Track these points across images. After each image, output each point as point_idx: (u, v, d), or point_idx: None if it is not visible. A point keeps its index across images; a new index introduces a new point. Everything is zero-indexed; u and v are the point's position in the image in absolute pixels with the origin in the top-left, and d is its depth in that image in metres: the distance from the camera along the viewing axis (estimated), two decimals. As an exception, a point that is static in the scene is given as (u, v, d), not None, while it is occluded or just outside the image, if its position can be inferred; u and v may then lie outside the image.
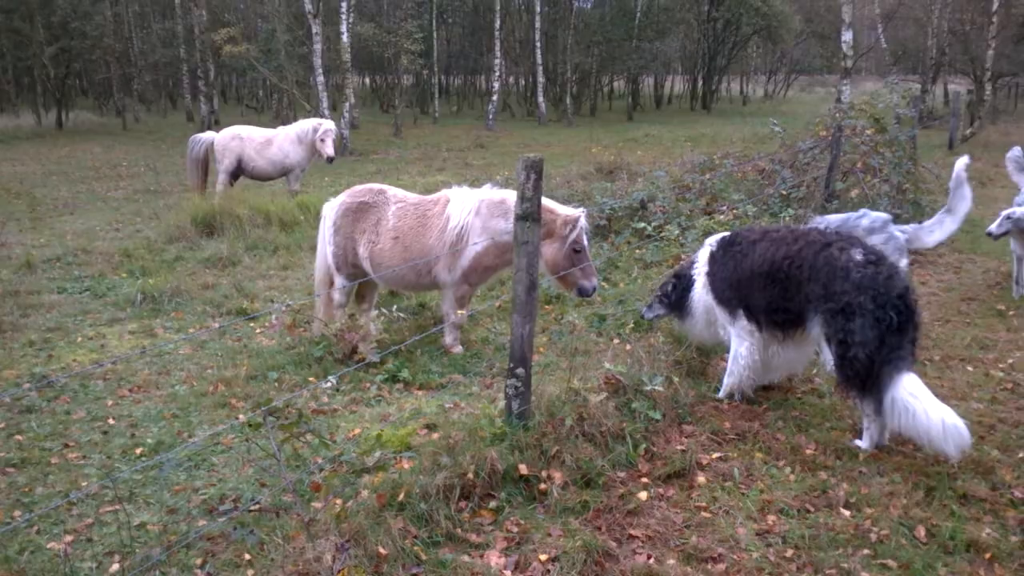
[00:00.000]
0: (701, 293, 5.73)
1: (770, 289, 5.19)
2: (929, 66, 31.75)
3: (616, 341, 6.81)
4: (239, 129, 14.30)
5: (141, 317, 7.89)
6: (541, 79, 35.89)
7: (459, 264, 6.58)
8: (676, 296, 5.96)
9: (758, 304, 5.31)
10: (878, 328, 4.65)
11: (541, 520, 4.10)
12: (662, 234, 8.84)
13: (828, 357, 5.17)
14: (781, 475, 4.66)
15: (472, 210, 6.52)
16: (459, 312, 6.72)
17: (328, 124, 13.79)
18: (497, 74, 33.07)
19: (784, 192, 10.33)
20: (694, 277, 5.81)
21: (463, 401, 5.68)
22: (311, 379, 6.06)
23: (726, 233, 5.82)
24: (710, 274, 5.66)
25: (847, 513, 4.26)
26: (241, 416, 5.44)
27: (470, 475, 4.13)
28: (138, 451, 5.10)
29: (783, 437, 5.08)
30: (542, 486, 4.31)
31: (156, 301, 8.25)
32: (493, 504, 4.18)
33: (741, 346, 5.49)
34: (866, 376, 4.72)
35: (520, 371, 4.68)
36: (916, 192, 10.85)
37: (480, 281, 6.86)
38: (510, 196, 6.50)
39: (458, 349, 6.84)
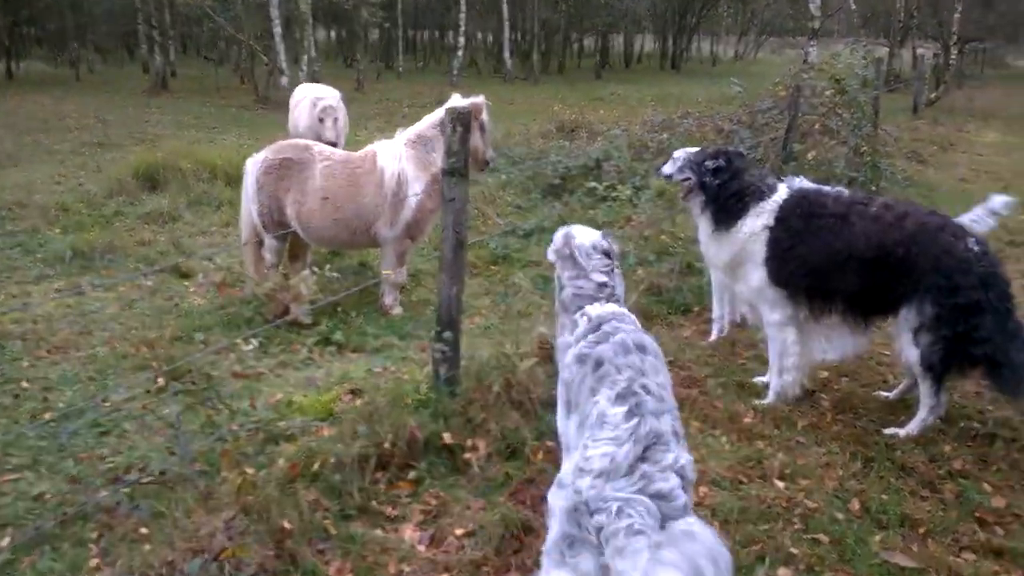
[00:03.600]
0: (748, 238, 4.86)
1: (870, 275, 4.52)
2: (897, 29, 31.58)
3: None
4: (313, 87, 11.74)
5: (70, 274, 7.55)
6: (507, 35, 35.29)
7: (402, 216, 6.34)
8: (720, 192, 4.95)
9: (845, 289, 4.63)
10: (1000, 321, 4.38)
11: (462, 493, 3.92)
12: (614, 195, 8.62)
13: (906, 344, 4.58)
14: (717, 444, 4.50)
15: (400, 155, 6.32)
16: (398, 270, 6.49)
17: (329, 100, 9.81)
18: (462, 28, 32.43)
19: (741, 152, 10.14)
20: (749, 206, 4.84)
21: (395, 365, 5.45)
22: (238, 341, 5.80)
23: (789, 187, 4.86)
24: (774, 241, 4.77)
25: (781, 484, 4.12)
26: (160, 380, 5.18)
27: (387, 445, 3.93)
28: (47, 415, 4.84)
29: (721, 405, 4.92)
30: (467, 456, 4.12)
31: (87, 258, 7.91)
32: (412, 475, 3.98)
33: (788, 336, 4.87)
34: (991, 367, 4.45)
35: (447, 335, 4.46)
36: (874, 155, 10.70)
37: (421, 232, 6.62)
38: (422, 128, 6.53)
39: (397, 310, 6.61)
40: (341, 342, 5.91)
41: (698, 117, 13.11)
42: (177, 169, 10.93)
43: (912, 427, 4.66)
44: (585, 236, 3.42)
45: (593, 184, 8.96)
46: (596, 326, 3.12)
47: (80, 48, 34.20)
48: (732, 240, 4.94)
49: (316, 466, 3.84)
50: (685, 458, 2.65)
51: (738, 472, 4.22)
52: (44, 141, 16.38)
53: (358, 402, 4.58)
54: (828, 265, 4.64)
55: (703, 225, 5.15)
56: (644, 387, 2.80)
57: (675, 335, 6.05)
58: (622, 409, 2.72)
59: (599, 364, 2.93)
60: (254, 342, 4.91)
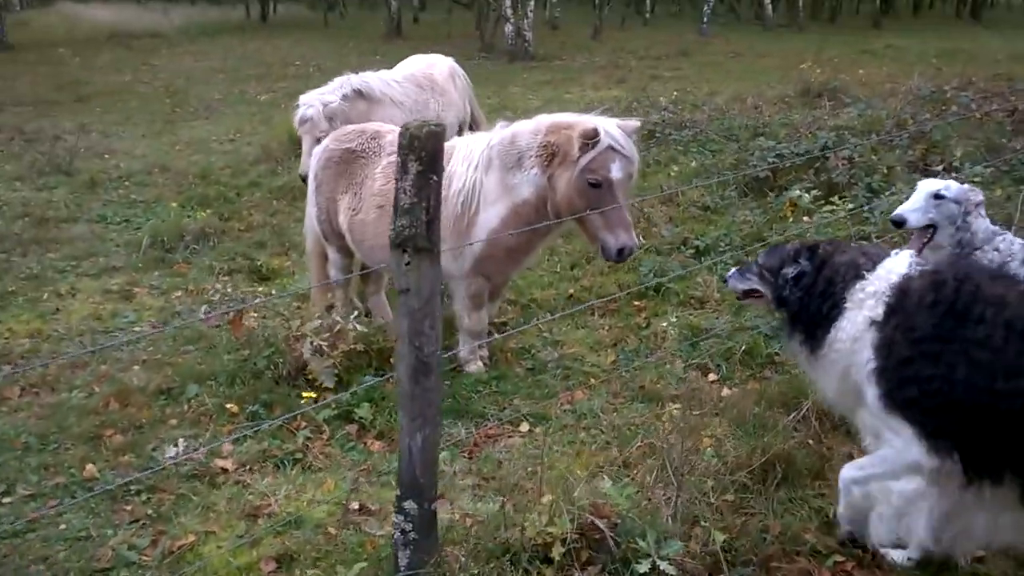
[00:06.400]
0: (851, 346, 2.92)
1: None
2: None
3: (711, 379, 4.54)
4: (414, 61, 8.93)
5: (136, 269, 6.43)
6: (770, -25, 31.44)
7: (469, 249, 4.45)
8: (804, 301, 3.11)
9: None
10: None
11: None
12: (825, 207, 6.13)
13: None
14: None
15: (481, 163, 4.39)
16: (474, 315, 4.68)
17: (308, 107, 6.59)
18: (719, -31, 29.24)
19: (1040, 148, 7.21)
20: (849, 300, 2.96)
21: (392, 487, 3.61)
22: (229, 406, 4.26)
23: (911, 266, 2.94)
24: (885, 345, 2.83)
25: None
26: (90, 467, 3.75)
27: None
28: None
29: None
30: None
31: (168, 248, 6.78)
32: None
33: (924, 497, 2.84)
34: None
35: (409, 506, 2.62)
36: None
37: (501, 272, 4.70)
38: (520, 130, 4.38)
39: (474, 367, 4.77)
40: (364, 421, 4.17)
41: (983, 89, 9.93)
42: (328, 133, 9.67)
43: None
44: None
45: (797, 192, 6.44)
46: None
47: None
48: (831, 359, 3.02)
49: None
50: None
51: None
52: (251, 90, 16.09)
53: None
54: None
55: (794, 353, 3.28)
56: None
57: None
58: None
59: None
60: (181, 444, 3.31)
